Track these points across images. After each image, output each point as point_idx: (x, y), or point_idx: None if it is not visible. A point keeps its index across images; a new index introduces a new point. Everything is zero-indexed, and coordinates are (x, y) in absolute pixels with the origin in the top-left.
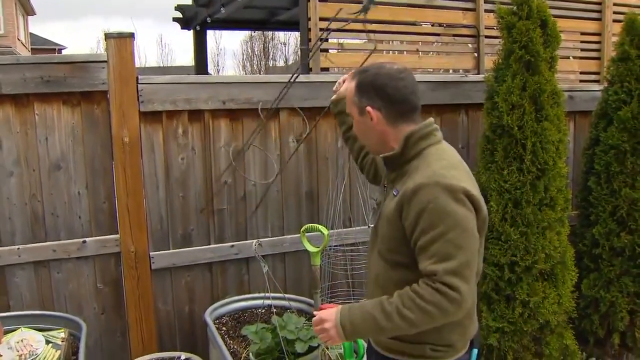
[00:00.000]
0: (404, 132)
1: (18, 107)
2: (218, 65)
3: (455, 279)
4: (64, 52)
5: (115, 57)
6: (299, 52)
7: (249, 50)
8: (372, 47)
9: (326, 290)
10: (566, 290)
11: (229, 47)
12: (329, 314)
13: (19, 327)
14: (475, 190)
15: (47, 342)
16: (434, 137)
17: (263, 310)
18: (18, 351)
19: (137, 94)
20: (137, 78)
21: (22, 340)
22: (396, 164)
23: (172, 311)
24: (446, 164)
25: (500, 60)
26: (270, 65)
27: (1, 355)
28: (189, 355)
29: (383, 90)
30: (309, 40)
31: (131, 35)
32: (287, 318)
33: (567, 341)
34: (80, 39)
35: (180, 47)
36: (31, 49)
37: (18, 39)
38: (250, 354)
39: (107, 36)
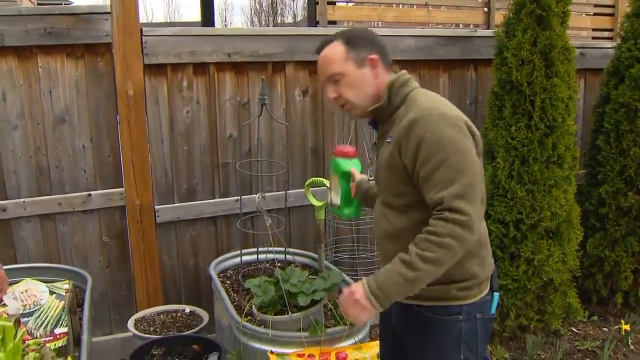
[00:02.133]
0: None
1: (21, 59)
2: (226, 21)
3: (461, 201)
4: (73, 5)
5: (119, 8)
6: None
7: (257, 6)
8: (381, 0)
9: (331, 245)
10: (571, 249)
11: (237, 2)
12: (355, 287)
13: (24, 279)
14: (466, 118)
15: (51, 292)
16: (413, 83)
17: (267, 265)
18: (22, 301)
19: (141, 46)
20: (141, 30)
21: (26, 291)
22: (385, 115)
23: (177, 265)
24: (434, 100)
25: (510, 15)
26: (279, 21)
27: (6, 305)
28: (193, 308)
29: (376, 41)
30: None
31: None
32: (290, 271)
33: (570, 299)
34: None
35: (187, 2)
36: (37, 2)
37: None
38: (253, 307)
39: None
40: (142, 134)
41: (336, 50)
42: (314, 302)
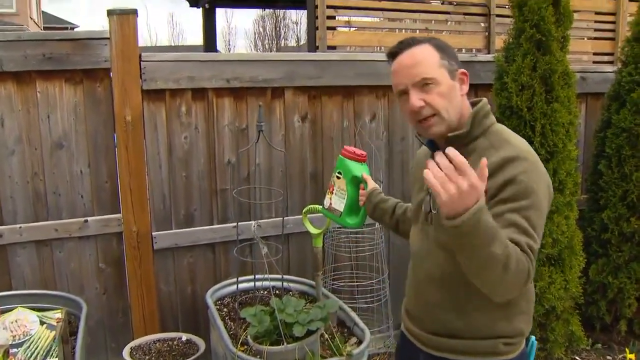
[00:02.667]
0: (469, 107)
1: (20, 85)
2: (229, 45)
3: (532, 256)
4: (76, 31)
5: (118, 33)
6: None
7: (261, 30)
8: (381, 25)
9: (329, 272)
10: (573, 276)
11: (240, 26)
12: (477, 179)
13: (17, 307)
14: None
15: (42, 322)
16: (492, 117)
17: (265, 292)
18: (12, 331)
19: (140, 71)
20: (140, 55)
21: (16, 321)
22: (459, 145)
23: (174, 292)
24: (525, 143)
25: (510, 40)
26: (282, 44)
27: None
28: (190, 336)
29: (457, 58)
30: (316, 17)
31: (134, 12)
32: (287, 301)
33: (573, 327)
34: (93, 18)
35: (191, 26)
36: (43, 27)
37: (30, 18)
38: (249, 337)
39: (110, 12)
40: (140, 160)
41: (430, 53)
42: (309, 333)
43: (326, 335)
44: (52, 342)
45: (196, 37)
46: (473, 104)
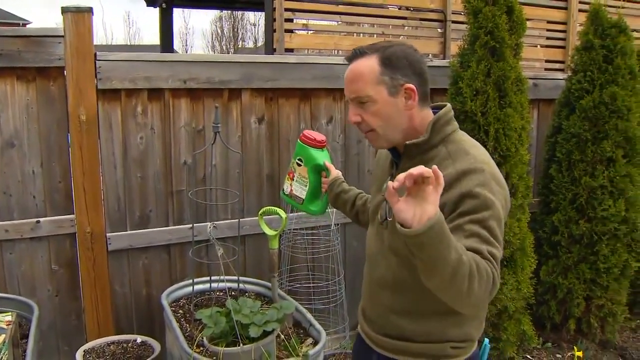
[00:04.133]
0: (427, 116)
1: None
2: (187, 45)
3: (495, 264)
4: (29, 27)
5: (72, 32)
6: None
7: (219, 31)
8: (339, 29)
9: (285, 274)
10: (525, 277)
11: (198, 26)
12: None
13: None
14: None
15: None
16: (455, 123)
17: (220, 294)
18: None
19: (95, 70)
20: (95, 54)
21: None
22: (418, 152)
23: (129, 293)
24: (484, 154)
25: (465, 46)
26: (240, 46)
27: None
28: (145, 338)
29: (419, 67)
30: (274, 20)
31: (89, 10)
32: (242, 302)
33: (525, 326)
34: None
35: (148, 25)
36: None
37: None
38: (204, 339)
39: (64, 10)
40: (95, 160)
41: (369, 68)
42: (266, 334)
43: (282, 336)
44: (2, 346)
45: (153, 37)
46: (438, 108)
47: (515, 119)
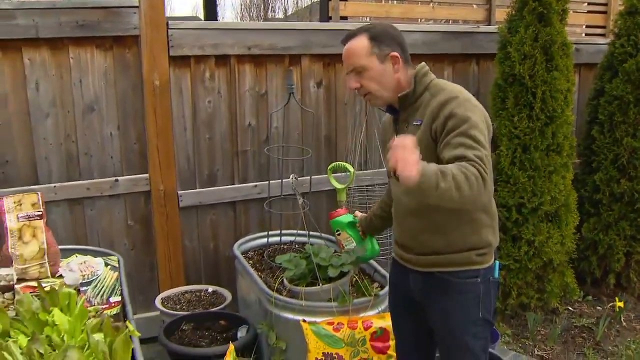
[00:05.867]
0: (412, 75)
1: (53, 51)
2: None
3: (481, 162)
4: None
5: (146, 2)
6: (298, 2)
7: (248, 1)
8: None
9: None
10: (568, 232)
11: None
12: (411, 140)
13: (74, 254)
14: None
15: (106, 264)
16: (431, 74)
17: (285, 246)
18: (81, 272)
19: (167, 38)
20: (167, 23)
21: (84, 262)
22: (409, 102)
23: (197, 247)
24: (457, 86)
25: (513, 12)
26: (270, 16)
27: (62, 277)
28: (215, 287)
29: (398, 38)
30: None
31: None
32: (319, 248)
33: (568, 279)
34: None
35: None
36: None
37: None
38: (285, 280)
39: None
40: (167, 122)
41: (361, 44)
42: (342, 274)
43: (355, 278)
44: (116, 282)
45: (185, 8)
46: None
47: (562, 82)
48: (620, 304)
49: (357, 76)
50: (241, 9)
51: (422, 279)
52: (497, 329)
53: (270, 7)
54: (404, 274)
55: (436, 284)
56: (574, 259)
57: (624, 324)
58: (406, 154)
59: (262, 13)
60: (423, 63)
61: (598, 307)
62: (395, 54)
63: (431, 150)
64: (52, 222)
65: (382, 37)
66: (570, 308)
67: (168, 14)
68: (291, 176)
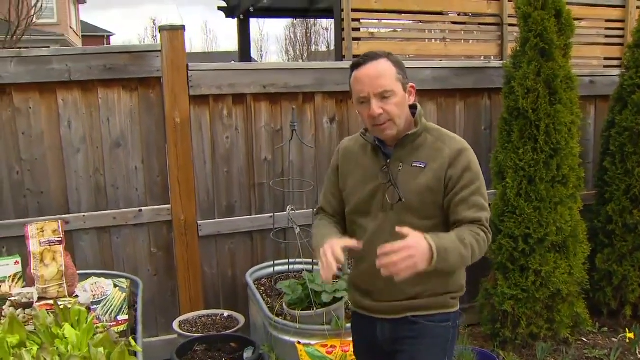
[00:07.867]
0: (410, 111)
1: (84, 92)
2: (262, 51)
3: (488, 226)
4: (112, 38)
5: (168, 47)
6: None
7: (292, 36)
8: (400, 36)
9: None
10: (577, 262)
11: (272, 32)
12: (416, 240)
13: (90, 277)
14: None
15: (115, 286)
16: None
17: (296, 274)
18: (92, 292)
19: (187, 79)
20: (187, 66)
21: (95, 283)
22: (408, 141)
23: (216, 274)
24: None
25: (517, 48)
26: (313, 50)
27: (77, 296)
28: (231, 312)
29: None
30: (343, 29)
31: (182, 28)
32: (315, 275)
33: (578, 309)
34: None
35: (224, 33)
36: (82, 36)
37: (70, 27)
38: (284, 304)
39: (161, 28)
40: (188, 157)
41: (389, 67)
42: (335, 300)
43: (350, 304)
44: (124, 302)
45: (228, 43)
46: (411, 107)
47: (565, 114)
48: (631, 335)
49: (381, 101)
50: (285, 43)
51: (391, 327)
52: (507, 358)
53: (313, 42)
54: (369, 325)
55: (408, 328)
56: (587, 290)
57: (639, 355)
58: (412, 260)
59: (305, 48)
60: (418, 104)
61: (613, 339)
62: (413, 85)
63: (435, 193)
64: (82, 249)
65: (401, 65)
66: (584, 339)
67: (213, 49)
68: (288, 208)
